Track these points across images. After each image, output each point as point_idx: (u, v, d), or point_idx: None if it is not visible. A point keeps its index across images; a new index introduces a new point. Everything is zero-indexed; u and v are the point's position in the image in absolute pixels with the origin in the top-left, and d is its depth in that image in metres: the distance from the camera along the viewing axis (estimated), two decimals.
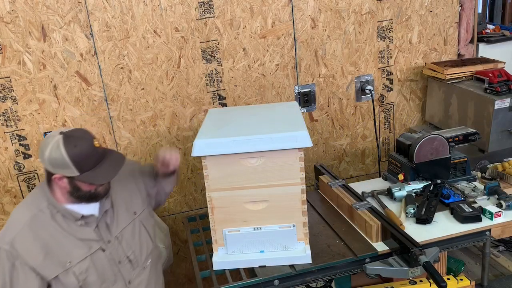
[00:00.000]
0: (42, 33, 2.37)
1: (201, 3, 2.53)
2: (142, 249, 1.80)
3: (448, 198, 2.19)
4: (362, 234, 2.02)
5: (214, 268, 1.88)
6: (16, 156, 2.51)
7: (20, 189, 2.56)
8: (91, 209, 1.68)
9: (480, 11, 4.62)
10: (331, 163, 3.07)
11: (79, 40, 2.43)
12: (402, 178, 2.35)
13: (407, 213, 2.12)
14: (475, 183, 2.37)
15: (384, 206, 2.20)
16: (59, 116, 2.51)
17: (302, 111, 2.87)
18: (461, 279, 2.27)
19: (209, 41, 2.61)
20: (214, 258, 1.87)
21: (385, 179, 2.55)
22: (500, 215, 2.04)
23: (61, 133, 1.57)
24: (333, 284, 2.15)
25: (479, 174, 2.47)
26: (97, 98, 2.53)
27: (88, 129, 1.71)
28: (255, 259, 1.86)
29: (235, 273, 1.88)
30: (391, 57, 2.96)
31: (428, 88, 3.04)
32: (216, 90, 2.70)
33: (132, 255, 1.76)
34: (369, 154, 3.13)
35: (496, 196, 2.17)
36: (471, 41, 3.12)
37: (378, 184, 2.51)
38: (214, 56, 2.64)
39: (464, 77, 2.85)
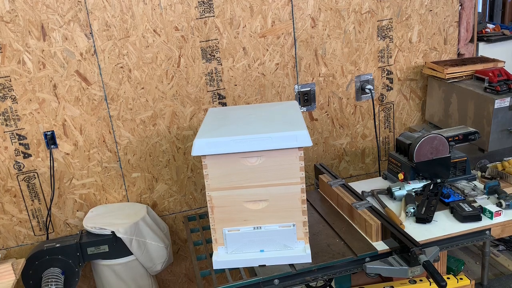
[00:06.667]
0: (41, 32, 2.37)
1: (201, 2, 2.53)
2: None
3: (448, 197, 2.19)
4: (362, 234, 2.02)
5: (214, 268, 1.88)
6: (16, 156, 2.51)
7: (20, 188, 2.56)
8: None
9: (480, 10, 4.63)
10: (331, 162, 3.07)
11: (78, 40, 2.43)
12: (402, 177, 2.35)
13: (407, 212, 2.12)
14: (475, 182, 2.37)
15: (384, 206, 2.20)
16: (59, 116, 2.51)
17: (302, 110, 2.87)
18: (461, 278, 2.26)
19: (209, 40, 2.60)
20: (214, 258, 1.87)
21: (385, 178, 2.55)
22: (500, 214, 2.04)
23: None
24: (333, 284, 2.15)
25: (479, 173, 2.47)
26: (97, 97, 2.53)
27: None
28: (255, 258, 1.85)
29: (235, 273, 1.88)
30: (391, 56, 2.96)
31: (428, 87, 3.04)
32: (216, 90, 2.70)
33: None
34: (369, 154, 3.13)
35: (496, 195, 2.17)
36: (471, 40, 3.11)
37: (378, 183, 2.51)
38: (214, 56, 2.64)
39: (464, 76, 2.84)
